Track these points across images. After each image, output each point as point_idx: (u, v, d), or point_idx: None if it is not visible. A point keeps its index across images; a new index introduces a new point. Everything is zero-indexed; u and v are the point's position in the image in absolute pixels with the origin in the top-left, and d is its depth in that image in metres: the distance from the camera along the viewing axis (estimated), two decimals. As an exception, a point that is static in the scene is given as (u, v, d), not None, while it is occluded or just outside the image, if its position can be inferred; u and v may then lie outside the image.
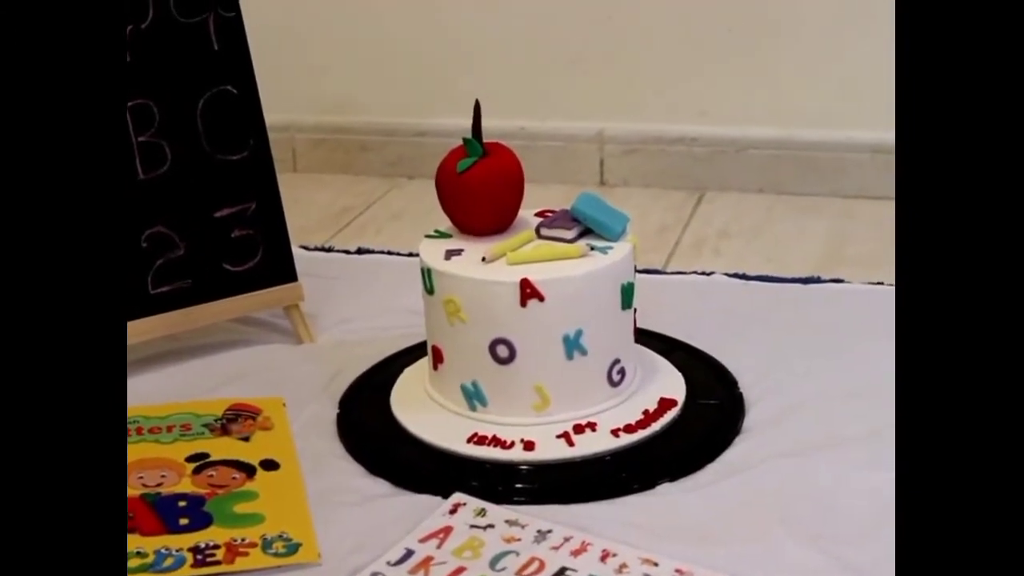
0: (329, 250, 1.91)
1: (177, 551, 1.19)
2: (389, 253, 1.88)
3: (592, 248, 1.35)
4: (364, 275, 1.81)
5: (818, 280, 1.72)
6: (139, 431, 1.40)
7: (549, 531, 1.21)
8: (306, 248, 1.89)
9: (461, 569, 1.17)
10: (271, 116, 1.61)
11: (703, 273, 1.77)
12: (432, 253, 1.38)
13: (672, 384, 1.44)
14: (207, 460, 1.35)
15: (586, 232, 1.38)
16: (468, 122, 1.39)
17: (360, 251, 1.90)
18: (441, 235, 1.42)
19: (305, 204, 2.10)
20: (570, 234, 1.37)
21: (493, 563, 1.18)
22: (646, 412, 1.38)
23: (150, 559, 1.18)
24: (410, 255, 1.83)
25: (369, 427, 1.41)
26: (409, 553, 1.19)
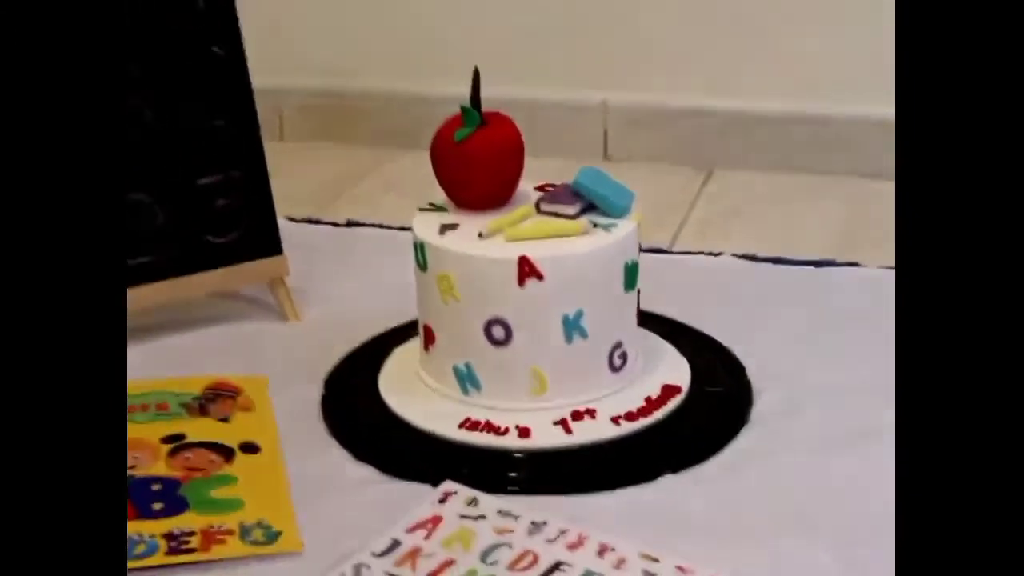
0: (317, 222, 1.91)
1: (150, 537, 1.18)
2: (380, 227, 1.88)
3: (595, 225, 1.35)
4: (354, 249, 1.80)
5: (833, 263, 1.71)
6: (113, 410, 1.38)
7: (544, 523, 1.20)
8: (292, 220, 1.88)
9: (450, 562, 1.16)
10: (257, 80, 1.60)
11: (711, 254, 1.76)
12: (426, 227, 1.37)
13: (676, 370, 1.43)
14: (183, 442, 1.34)
15: (589, 208, 1.37)
16: (467, 89, 1.38)
17: (350, 224, 1.90)
18: (436, 208, 1.41)
19: (292, 175, 2.09)
20: (572, 210, 1.36)
21: (484, 556, 1.17)
22: (648, 399, 1.37)
23: (122, 546, 1.16)
24: (402, 229, 1.81)
25: (356, 410, 1.41)
26: (396, 544, 1.18)
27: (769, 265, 1.71)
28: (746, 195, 1.99)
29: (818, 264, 1.71)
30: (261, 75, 1.65)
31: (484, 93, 1.39)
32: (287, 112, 2.27)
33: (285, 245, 1.61)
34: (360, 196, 2.05)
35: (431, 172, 1.39)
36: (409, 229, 1.39)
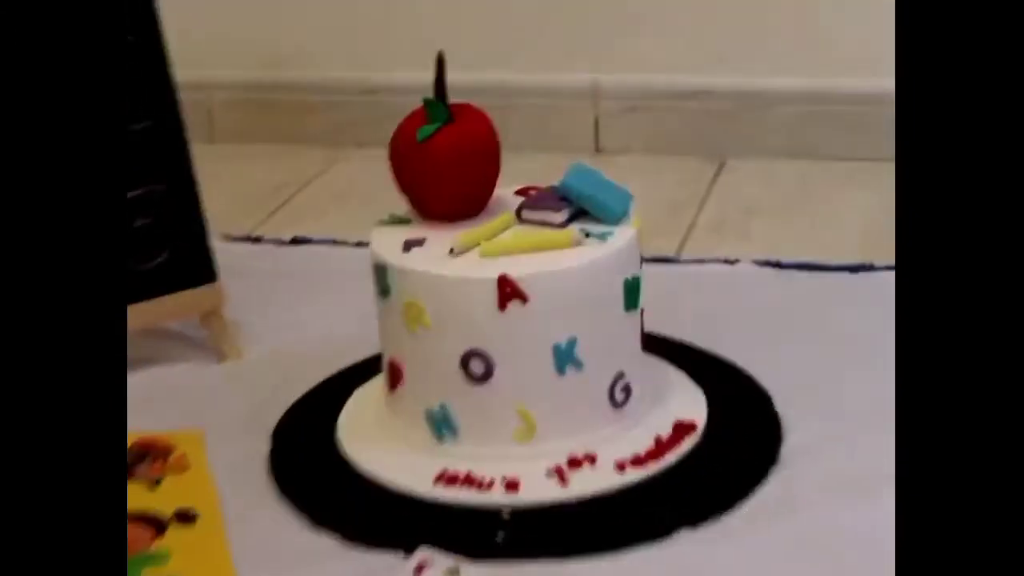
0: (258, 240, 1.91)
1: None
2: (334, 243, 1.87)
3: (587, 235, 1.35)
4: (302, 272, 1.80)
5: (870, 268, 1.71)
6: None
7: (540, 595, 1.20)
8: (229, 238, 1.87)
9: (429, 647, 1.15)
10: (182, 72, 1.60)
11: (726, 261, 1.76)
12: (387, 244, 1.36)
13: (690, 403, 1.43)
14: (105, 512, 1.32)
15: (579, 214, 1.37)
16: (430, 76, 1.38)
17: (297, 241, 1.90)
18: (398, 221, 1.40)
19: (227, 182, 2.08)
20: (559, 217, 1.36)
21: (469, 638, 1.16)
22: (658, 440, 1.36)
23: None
24: (360, 245, 1.81)
25: (311, 466, 1.40)
26: (363, 628, 1.17)
27: (796, 272, 1.72)
28: (765, 188, 1.99)
29: (854, 269, 1.71)
30: (185, 67, 1.64)
31: (451, 79, 1.38)
32: (217, 109, 2.27)
33: (221, 270, 1.61)
34: (307, 206, 2.04)
35: (391, 176, 1.39)
36: (367, 245, 1.39)
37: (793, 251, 1.77)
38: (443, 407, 1.34)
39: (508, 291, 1.29)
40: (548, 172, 1.43)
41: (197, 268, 1.59)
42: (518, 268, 1.30)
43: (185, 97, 1.60)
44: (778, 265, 1.73)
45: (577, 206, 1.37)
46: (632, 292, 1.36)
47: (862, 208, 1.90)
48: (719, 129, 2.10)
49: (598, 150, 2.14)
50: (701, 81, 2.09)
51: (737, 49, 2.08)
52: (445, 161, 1.35)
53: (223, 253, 1.66)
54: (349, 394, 1.48)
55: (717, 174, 2.05)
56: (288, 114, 2.25)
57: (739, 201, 1.96)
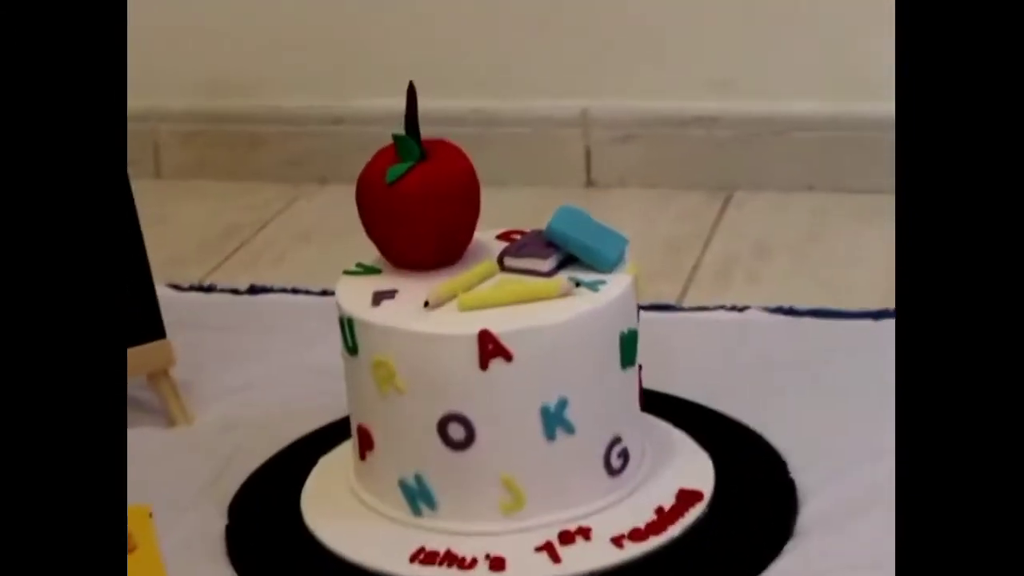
0: (210, 290, 1.91)
1: None
2: (294, 291, 1.88)
3: (577, 284, 1.35)
4: (260, 324, 1.81)
5: (895, 314, 1.69)
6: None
7: None
8: (177, 288, 1.89)
9: None
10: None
11: (734, 308, 1.77)
12: (354, 296, 1.37)
13: (695, 469, 1.44)
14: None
15: (568, 261, 1.38)
16: (401, 104, 1.39)
17: (254, 290, 1.90)
18: (366, 270, 1.41)
19: (174, 224, 2.09)
20: (546, 265, 1.37)
21: None
22: (660, 511, 1.37)
23: None
24: (324, 294, 1.82)
25: (272, 543, 1.40)
26: None
27: (812, 320, 1.73)
28: (777, 225, 2.01)
29: (876, 316, 1.72)
30: (130, 93, 1.63)
31: (425, 107, 1.39)
32: (164, 140, 2.28)
33: (169, 324, 1.61)
34: (265, 250, 2.05)
35: (359, 219, 1.40)
36: (332, 294, 1.39)
37: (809, 296, 1.79)
38: (419, 477, 1.35)
39: (490, 348, 1.30)
40: (534, 209, 1.43)
41: (142, 323, 1.59)
42: (501, 322, 1.30)
43: (128, 127, 1.58)
44: (792, 312, 1.74)
45: (566, 252, 1.37)
46: (628, 347, 1.37)
47: (886, 247, 1.89)
48: (725, 159, 2.11)
49: (589, 184, 2.15)
50: (704, 106, 2.11)
51: (744, 71, 2.09)
52: (418, 205, 1.36)
53: (171, 305, 1.66)
54: (314, 463, 1.49)
55: (723, 209, 2.07)
56: (243, 147, 2.26)
57: (748, 240, 1.97)
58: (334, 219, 2.09)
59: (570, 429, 1.34)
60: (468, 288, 1.35)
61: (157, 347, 1.61)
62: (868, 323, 1.71)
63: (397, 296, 1.36)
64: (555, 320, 1.32)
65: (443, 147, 1.40)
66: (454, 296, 1.34)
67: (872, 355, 1.63)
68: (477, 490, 1.34)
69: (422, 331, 1.32)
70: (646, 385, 1.45)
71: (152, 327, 1.60)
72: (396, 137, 1.38)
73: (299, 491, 1.45)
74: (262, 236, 2.10)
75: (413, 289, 1.36)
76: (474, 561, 1.32)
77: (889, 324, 1.69)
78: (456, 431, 1.33)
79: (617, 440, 1.38)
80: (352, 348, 1.36)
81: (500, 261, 1.39)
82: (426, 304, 1.34)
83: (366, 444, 1.39)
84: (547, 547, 1.33)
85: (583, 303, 1.34)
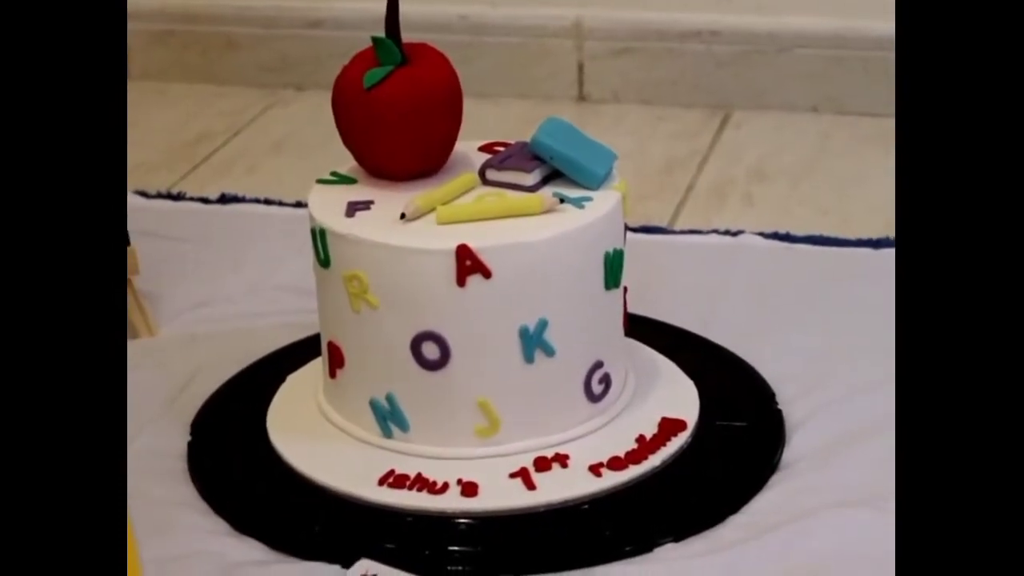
0: (179, 197, 1.91)
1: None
2: (267, 202, 1.89)
3: (562, 200, 1.36)
4: (230, 235, 1.81)
5: (895, 243, 1.71)
6: None
7: (498, 616, 1.22)
8: (144, 195, 1.90)
9: (369, 673, 1.18)
10: None
11: (728, 233, 1.77)
12: (328, 206, 1.37)
13: (679, 398, 1.44)
14: None
15: (553, 176, 1.38)
16: (382, 8, 1.38)
17: (224, 199, 1.91)
18: (341, 179, 1.42)
19: (144, 129, 2.10)
20: (530, 179, 1.37)
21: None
22: (641, 439, 1.38)
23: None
24: (298, 205, 1.83)
25: (235, 462, 1.42)
26: (293, 650, 1.20)
27: (808, 247, 1.73)
28: (777, 147, 2.01)
29: (875, 244, 1.73)
30: None
31: (408, 12, 1.39)
32: (133, 41, 2.27)
33: (133, 231, 1.61)
34: (237, 158, 2.06)
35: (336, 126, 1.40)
36: (305, 205, 1.40)
37: (806, 223, 1.79)
38: (391, 398, 1.36)
39: (468, 264, 1.31)
40: (521, 124, 1.43)
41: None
42: (480, 238, 1.31)
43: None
44: (788, 238, 1.75)
45: (551, 166, 1.37)
46: (613, 267, 1.37)
47: (890, 173, 1.87)
48: (724, 76, 2.11)
49: (581, 98, 2.15)
50: (704, 19, 2.10)
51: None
52: (397, 111, 1.35)
53: (137, 212, 1.68)
54: (281, 380, 1.50)
55: (721, 129, 2.07)
56: (216, 49, 2.26)
57: (746, 161, 1.98)
58: (310, 128, 2.10)
59: (550, 351, 1.34)
60: (447, 201, 1.35)
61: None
62: (867, 252, 1.72)
63: (372, 207, 1.37)
64: (537, 237, 1.32)
65: (425, 52, 1.40)
66: (432, 209, 1.34)
67: (870, 285, 1.64)
68: (451, 413, 1.35)
69: (397, 244, 1.32)
70: (632, 310, 1.46)
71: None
72: (376, 39, 1.37)
73: (265, 409, 1.46)
74: (235, 144, 2.10)
75: (389, 200, 1.36)
76: (445, 486, 1.33)
77: (889, 253, 1.70)
78: (430, 350, 1.33)
79: (599, 365, 1.38)
80: (324, 260, 1.37)
81: (482, 174, 1.39)
82: (402, 216, 1.34)
83: (336, 362, 1.40)
84: (522, 473, 1.34)
85: (567, 220, 1.34)
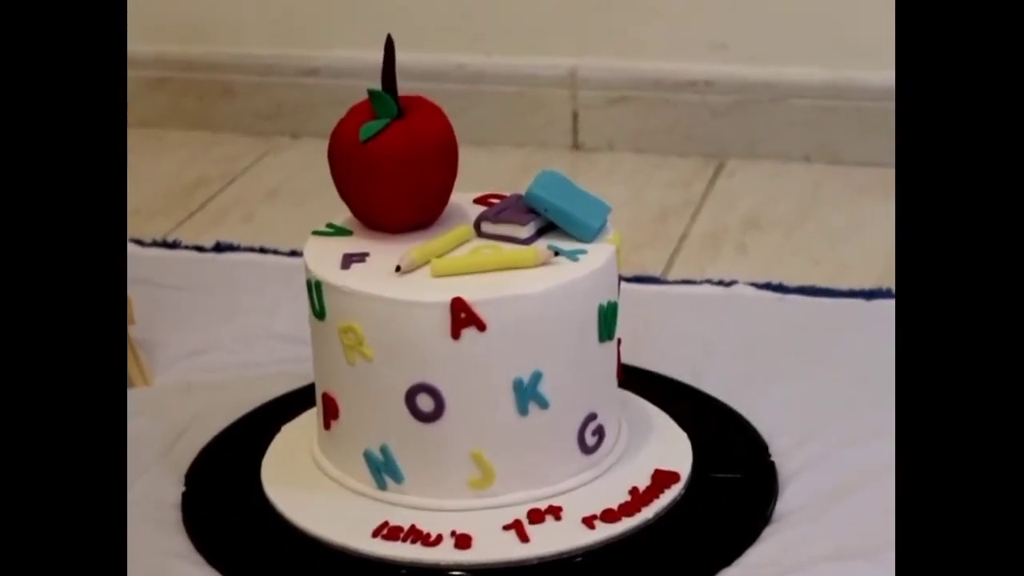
0: (174, 245, 1.92)
1: None
2: (262, 251, 1.89)
3: (556, 253, 1.36)
4: (225, 284, 1.81)
5: (887, 294, 1.73)
6: None
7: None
8: (140, 243, 1.90)
9: None
10: None
11: (721, 283, 1.78)
12: (323, 258, 1.38)
13: (672, 449, 1.45)
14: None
15: (547, 229, 1.39)
16: (379, 56, 1.39)
17: (219, 248, 1.91)
18: (337, 231, 1.42)
19: (139, 175, 2.09)
20: (524, 232, 1.38)
21: None
22: (634, 491, 1.38)
23: None
24: (292, 254, 1.83)
25: (229, 513, 1.42)
26: None
27: (800, 297, 1.74)
28: (770, 197, 2.02)
29: (869, 296, 1.73)
30: None
31: (405, 62, 1.40)
32: (131, 88, 2.21)
33: (129, 279, 1.57)
34: (232, 205, 2.06)
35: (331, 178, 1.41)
36: (301, 255, 1.40)
37: (800, 272, 1.80)
38: (385, 449, 1.36)
39: (462, 317, 1.31)
40: (516, 171, 1.43)
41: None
42: (475, 290, 1.31)
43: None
44: (781, 289, 1.75)
45: (545, 219, 1.38)
46: (608, 320, 1.38)
47: (884, 223, 1.91)
48: (719, 125, 2.12)
49: (576, 146, 2.15)
50: (698, 69, 2.11)
51: (741, 33, 2.09)
52: (392, 164, 1.36)
53: (133, 260, 1.64)
54: (276, 431, 1.50)
55: (714, 178, 2.08)
56: (212, 97, 2.26)
57: (739, 212, 1.98)
58: (305, 176, 2.10)
59: (544, 404, 1.35)
60: (442, 253, 1.36)
61: (116, 304, 1.62)
62: (860, 303, 1.72)
63: (368, 259, 1.37)
64: (532, 290, 1.33)
65: (421, 104, 1.40)
66: (427, 261, 1.35)
67: (862, 336, 1.64)
68: (445, 464, 1.35)
69: (392, 297, 1.32)
70: (625, 360, 1.46)
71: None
72: (372, 92, 1.38)
73: (260, 460, 1.46)
74: (231, 191, 2.10)
75: (385, 252, 1.37)
76: (439, 538, 1.33)
77: (882, 305, 1.70)
78: (425, 402, 1.34)
79: (592, 417, 1.39)
80: (319, 312, 1.37)
81: (477, 226, 1.39)
82: (397, 269, 1.34)
83: (331, 413, 1.40)
84: (515, 525, 1.34)
85: (561, 273, 1.34)
